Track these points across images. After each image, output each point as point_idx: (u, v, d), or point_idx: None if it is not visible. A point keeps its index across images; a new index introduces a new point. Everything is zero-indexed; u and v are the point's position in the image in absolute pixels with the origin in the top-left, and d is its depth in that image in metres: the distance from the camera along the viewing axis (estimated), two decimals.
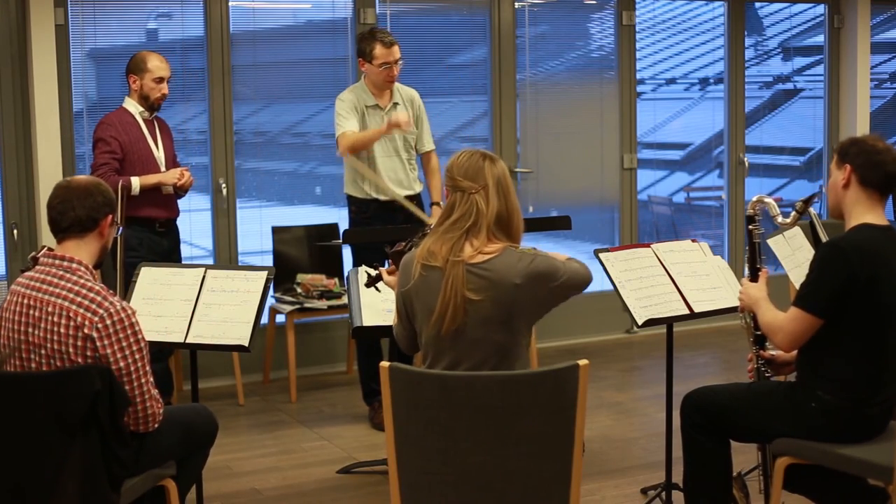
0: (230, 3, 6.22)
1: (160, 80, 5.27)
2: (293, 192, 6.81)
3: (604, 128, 7.29)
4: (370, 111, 5.36)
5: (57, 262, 3.24)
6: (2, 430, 3.12)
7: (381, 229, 5.24)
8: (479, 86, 6.97)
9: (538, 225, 5.71)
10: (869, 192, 3.43)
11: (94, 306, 3.14)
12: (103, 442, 3.10)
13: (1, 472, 3.14)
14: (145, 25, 6.36)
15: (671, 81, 7.90)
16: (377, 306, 4.25)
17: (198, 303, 3.92)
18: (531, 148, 7.07)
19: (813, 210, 4.33)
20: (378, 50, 5.27)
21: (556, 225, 5.81)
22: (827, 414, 3.39)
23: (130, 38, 6.29)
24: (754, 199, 3.81)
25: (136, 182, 5.11)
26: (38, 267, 3.27)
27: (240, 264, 6.25)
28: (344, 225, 5.78)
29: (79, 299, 3.15)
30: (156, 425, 3.30)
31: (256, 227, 6.43)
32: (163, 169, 5.27)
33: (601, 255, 4.13)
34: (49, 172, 5.69)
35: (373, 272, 3.80)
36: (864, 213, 3.43)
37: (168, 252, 5.32)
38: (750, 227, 3.77)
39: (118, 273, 4.18)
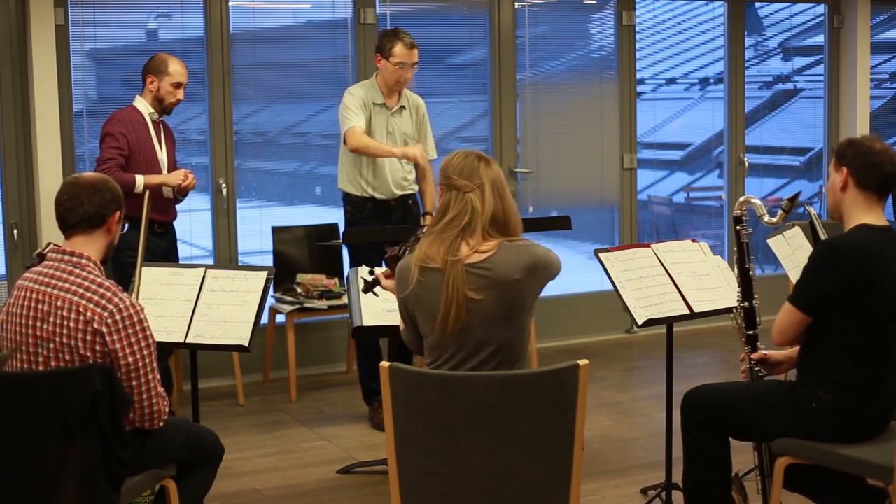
0: (230, 3, 6.22)
1: (178, 85, 5.24)
2: (293, 192, 6.81)
3: (604, 128, 7.29)
4: (377, 109, 5.37)
5: (66, 257, 3.25)
6: (2, 429, 3.13)
7: (381, 229, 5.25)
8: (479, 86, 6.97)
9: (538, 225, 5.71)
10: (867, 194, 3.43)
11: (104, 302, 3.15)
12: (103, 442, 3.10)
13: (1, 472, 3.14)
14: (145, 25, 6.36)
15: (671, 81, 7.90)
16: (377, 306, 4.25)
17: (198, 303, 3.92)
18: (531, 148, 7.07)
19: (813, 210, 4.34)
20: (398, 49, 5.29)
21: (556, 225, 5.82)
22: (827, 414, 3.39)
23: (130, 38, 6.30)
24: (741, 199, 3.79)
25: (140, 180, 5.10)
26: (45, 262, 3.28)
27: (240, 264, 6.25)
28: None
29: (88, 294, 3.16)
30: (161, 423, 3.31)
31: (256, 227, 6.43)
32: (165, 171, 5.27)
33: (601, 255, 4.13)
34: (49, 172, 5.70)
35: (369, 277, 3.78)
36: (862, 214, 3.43)
37: (166, 253, 5.32)
38: (738, 227, 3.77)
39: (137, 270, 4.12)
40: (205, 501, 3.96)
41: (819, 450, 3.41)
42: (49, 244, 3.34)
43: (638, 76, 7.36)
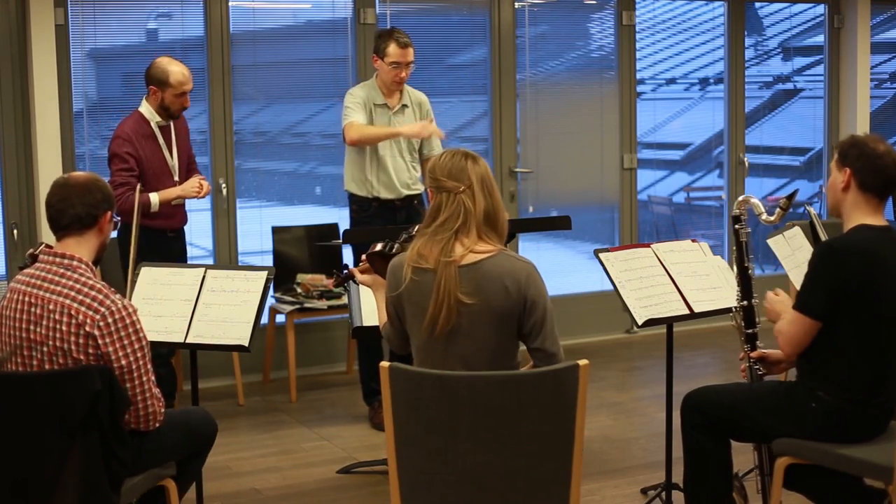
0: (230, 3, 6.22)
1: (182, 94, 5.12)
2: (293, 192, 6.81)
3: (604, 128, 7.29)
4: (378, 109, 5.38)
5: (57, 259, 3.23)
6: (2, 429, 3.12)
7: (382, 229, 5.24)
8: (479, 86, 6.97)
9: (538, 225, 5.72)
10: (868, 196, 3.43)
11: (95, 304, 3.14)
12: (103, 442, 3.09)
13: (1, 472, 3.14)
14: (145, 25, 6.36)
15: (671, 81, 7.90)
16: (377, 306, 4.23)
17: (198, 303, 3.92)
18: (531, 148, 7.07)
19: (813, 210, 4.33)
20: (392, 48, 5.29)
21: (556, 225, 5.81)
22: (827, 414, 3.39)
23: (130, 38, 6.30)
24: (740, 199, 3.79)
25: (154, 198, 5.04)
26: (37, 264, 3.27)
27: (240, 264, 6.25)
28: (344, 225, 5.79)
29: (80, 297, 3.15)
30: (157, 424, 3.30)
31: (256, 227, 6.43)
32: (175, 177, 5.21)
33: (601, 255, 4.13)
34: (49, 172, 5.68)
35: (343, 272, 3.69)
36: (862, 215, 3.43)
37: (178, 256, 5.31)
38: (736, 226, 3.77)
39: (129, 271, 4.13)
40: (205, 501, 3.98)
41: (819, 450, 3.41)
42: (41, 244, 3.32)
43: (638, 76, 7.36)
